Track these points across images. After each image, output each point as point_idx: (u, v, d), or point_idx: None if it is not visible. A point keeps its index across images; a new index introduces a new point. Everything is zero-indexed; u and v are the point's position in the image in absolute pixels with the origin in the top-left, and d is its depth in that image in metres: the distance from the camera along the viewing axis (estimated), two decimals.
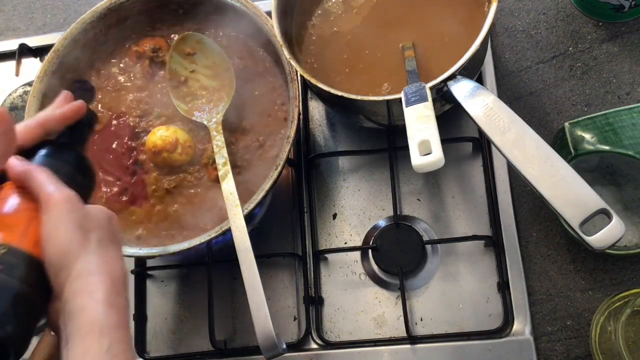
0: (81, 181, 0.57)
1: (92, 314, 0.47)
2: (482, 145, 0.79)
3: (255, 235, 0.80)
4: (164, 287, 0.83)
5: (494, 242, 0.75)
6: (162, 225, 0.75)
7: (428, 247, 0.77)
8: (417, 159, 0.59)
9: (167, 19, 0.84)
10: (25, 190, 0.51)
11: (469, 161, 0.80)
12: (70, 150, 0.59)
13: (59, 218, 0.49)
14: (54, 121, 0.59)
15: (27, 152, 0.55)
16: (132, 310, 0.81)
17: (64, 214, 0.49)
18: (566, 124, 0.70)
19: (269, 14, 0.75)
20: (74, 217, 0.50)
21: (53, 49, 0.80)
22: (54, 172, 0.53)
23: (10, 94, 0.94)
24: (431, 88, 0.65)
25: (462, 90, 0.64)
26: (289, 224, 0.82)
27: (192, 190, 0.76)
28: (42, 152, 0.56)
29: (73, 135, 0.62)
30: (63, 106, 0.61)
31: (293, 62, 0.71)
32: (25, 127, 0.56)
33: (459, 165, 0.80)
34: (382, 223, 0.80)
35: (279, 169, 0.71)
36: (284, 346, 0.65)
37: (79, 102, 0.62)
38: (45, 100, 0.79)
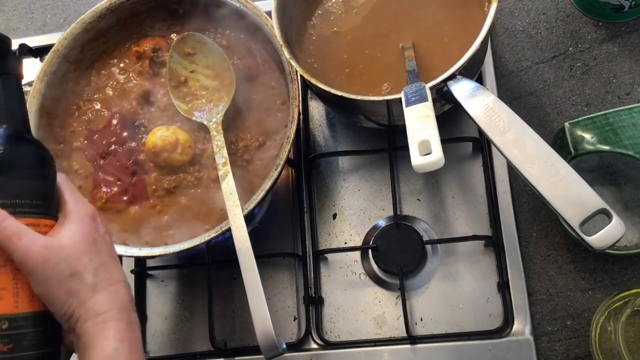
0: (48, 181, 0.52)
1: (106, 350, 0.48)
2: (482, 145, 0.79)
3: (255, 235, 0.80)
4: (164, 287, 0.83)
5: (494, 242, 0.75)
6: (162, 225, 0.75)
7: (428, 247, 0.77)
8: (417, 159, 0.59)
9: (167, 19, 0.84)
10: None
11: (469, 161, 0.80)
12: (23, 145, 0.51)
13: (48, 277, 0.48)
14: None
15: None
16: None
17: (51, 271, 0.48)
18: (566, 124, 0.70)
19: (269, 14, 0.75)
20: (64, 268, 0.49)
21: (53, 49, 0.80)
22: (14, 193, 0.49)
23: None
24: (431, 88, 0.65)
25: (462, 90, 0.64)
26: (289, 224, 0.82)
27: (192, 190, 0.76)
28: None
29: (11, 112, 0.51)
30: None
31: (293, 62, 0.71)
32: None
33: (459, 165, 0.80)
34: (382, 223, 0.80)
35: (279, 169, 0.71)
36: (284, 346, 0.65)
37: None
38: (45, 100, 0.79)
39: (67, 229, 0.51)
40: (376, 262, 0.77)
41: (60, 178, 0.54)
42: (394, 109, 0.70)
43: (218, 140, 0.75)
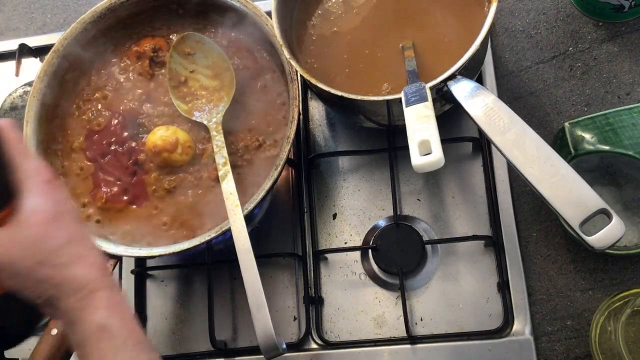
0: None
1: (97, 320, 0.47)
2: (482, 145, 0.79)
3: (255, 235, 0.80)
4: (164, 287, 0.83)
5: (494, 242, 0.75)
6: (162, 225, 0.75)
7: (428, 247, 0.77)
8: (417, 159, 0.59)
9: (167, 19, 0.84)
10: None
11: (469, 161, 0.80)
12: None
13: (15, 272, 0.47)
14: None
15: None
16: (132, 310, 0.81)
17: (16, 266, 0.47)
18: (566, 124, 0.70)
19: (269, 14, 0.75)
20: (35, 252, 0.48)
21: (53, 49, 0.80)
22: None
23: (10, 94, 0.94)
24: (431, 88, 0.65)
25: (462, 90, 0.64)
26: (289, 224, 0.82)
27: (192, 190, 0.76)
28: None
29: None
30: None
31: (293, 62, 0.71)
32: None
33: (459, 165, 0.80)
34: (382, 223, 0.80)
35: (279, 169, 0.71)
36: (284, 346, 0.65)
37: None
38: (45, 100, 0.79)
39: (26, 212, 0.48)
40: (376, 262, 0.77)
41: (6, 132, 0.49)
42: (394, 109, 0.70)
43: (218, 140, 0.75)
